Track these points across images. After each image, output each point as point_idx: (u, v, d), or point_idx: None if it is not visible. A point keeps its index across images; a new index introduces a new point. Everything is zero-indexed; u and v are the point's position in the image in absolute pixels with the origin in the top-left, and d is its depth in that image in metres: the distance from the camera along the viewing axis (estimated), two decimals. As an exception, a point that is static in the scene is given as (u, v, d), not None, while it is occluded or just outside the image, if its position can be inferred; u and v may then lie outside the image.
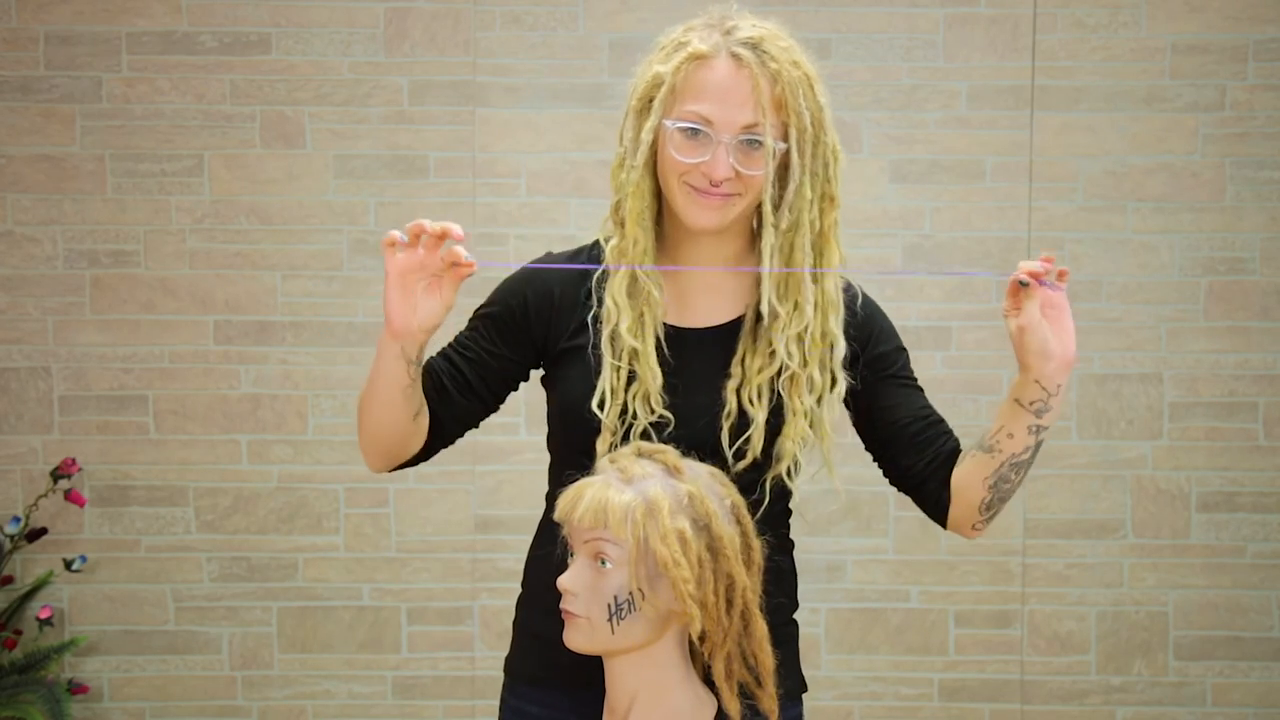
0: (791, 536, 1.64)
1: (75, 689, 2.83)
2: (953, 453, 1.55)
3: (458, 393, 1.55)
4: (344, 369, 2.94)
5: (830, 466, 1.56)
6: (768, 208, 1.46)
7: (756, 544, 1.41)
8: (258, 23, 2.90)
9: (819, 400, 1.51)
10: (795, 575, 1.63)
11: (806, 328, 1.48)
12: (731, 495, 1.41)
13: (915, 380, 1.63)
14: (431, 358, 1.56)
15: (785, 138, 1.44)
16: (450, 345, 1.59)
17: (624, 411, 1.49)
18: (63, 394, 2.93)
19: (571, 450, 1.53)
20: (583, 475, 1.42)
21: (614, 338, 1.49)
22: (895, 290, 2.94)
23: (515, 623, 1.66)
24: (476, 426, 1.60)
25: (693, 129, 1.42)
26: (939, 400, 2.92)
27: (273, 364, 2.94)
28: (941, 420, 1.59)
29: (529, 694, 1.58)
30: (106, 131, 2.90)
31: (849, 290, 1.57)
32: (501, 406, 1.61)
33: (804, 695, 1.64)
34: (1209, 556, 2.97)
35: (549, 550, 1.51)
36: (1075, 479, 2.96)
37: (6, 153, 2.91)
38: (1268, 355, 2.95)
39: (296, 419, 2.95)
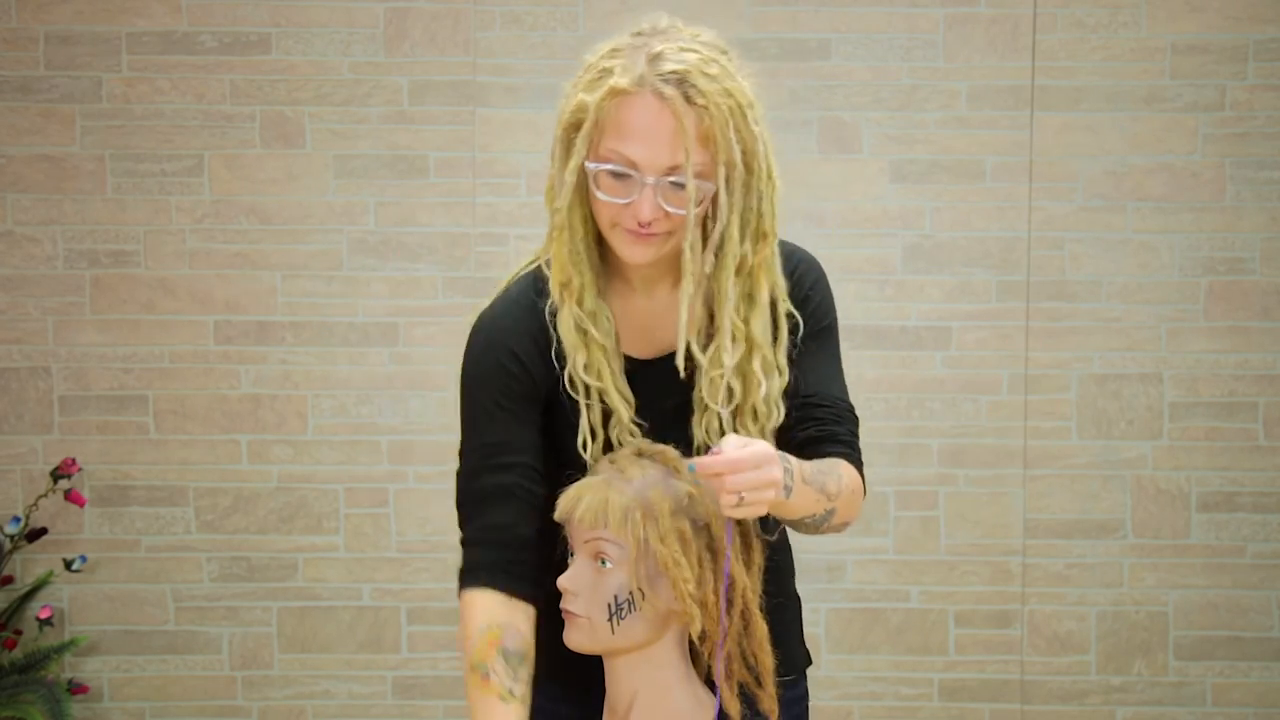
0: (788, 533, 1.63)
1: (75, 689, 2.83)
2: (813, 442, 1.47)
3: (542, 497, 1.45)
4: (344, 369, 2.94)
5: None
6: (686, 255, 1.38)
7: (756, 544, 1.41)
8: (258, 23, 2.90)
9: (763, 430, 1.46)
10: (792, 568, 1.64)
11: (723, 374, 1.42)
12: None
13: (826, 358, 1.53)
14: (506, 477, 1.44)
15: (713, 176, 1.36)
16: (492, 451, 1.46)
17: (609, 448, 1.46)
18: (63, 394, 2.93)
19: (558, 479, 1.49)
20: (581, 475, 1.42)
21: (576, 376, 1.45)
22: (895, 290, 2.94)
23: None
24: None
25: (616, 171, 1.35)
26: (939, 400, 2.94)
27: (273, 364, 2.94)
28: (820, 406, 1.49)
29: (534, 686, 1.57)
30: (106, 131, 2.90)
31: (791, 259, 1.51)
32: None
33: (809, 670, 1.66)
34: (1209, 556, 2.97)
35: (555, 565, 1.50)
36: (1075, 479, 2.96)
37: (6, 153, 2.91)
38: (1268, 355, 2.95)
39: (296, 419, 2.95)
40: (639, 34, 1.41)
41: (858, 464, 1.47)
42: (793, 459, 1.33)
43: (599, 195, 1.38)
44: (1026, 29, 2.92)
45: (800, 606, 1.66)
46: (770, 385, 1.45)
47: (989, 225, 2.94)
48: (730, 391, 1.44)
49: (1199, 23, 2.91)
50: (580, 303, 1.44)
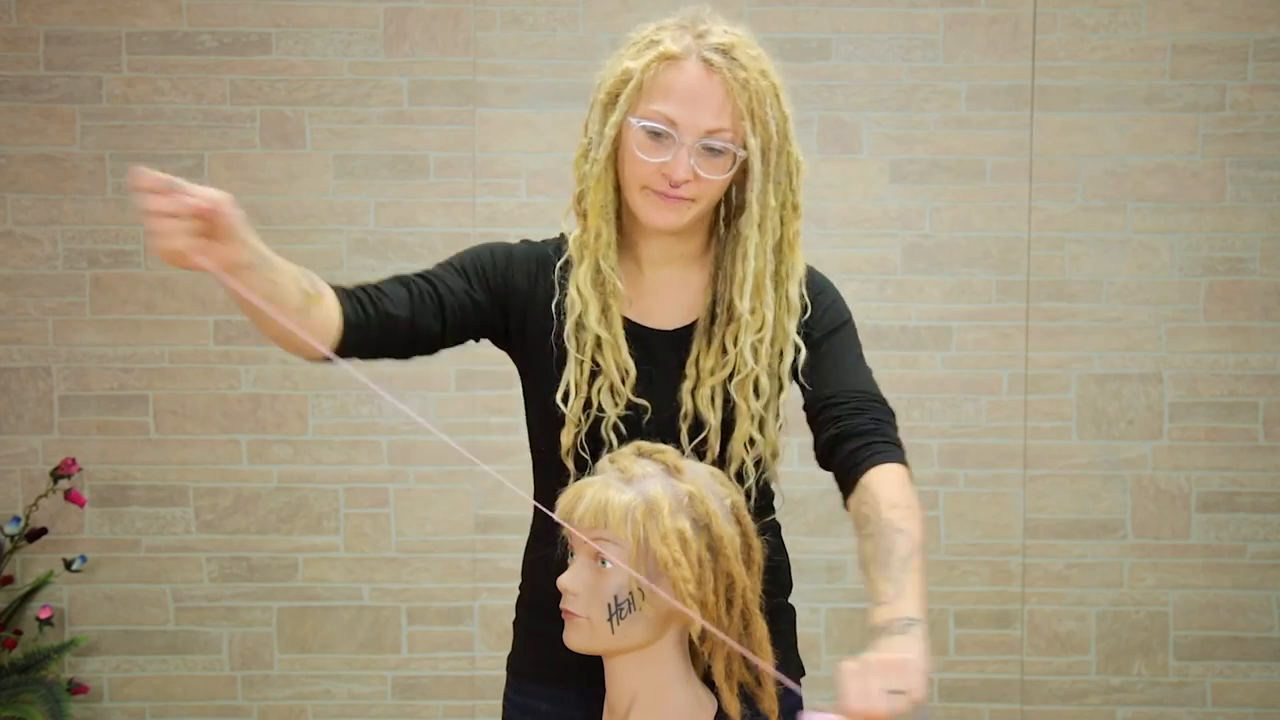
0: (783, 531, 1.64)
1: (75, 689, 2.83)
2: (835, 442, 1.48)
3: (430, 313, 1.51)
4: (344, 369, 2.94)
5: (774, 473, 1.56)
6: (737, 214, 1.47)
7: (756, 544, 1.41)
8: (258, 23, 2.90)
9: (766, 405, 1.50)
10: (789, 569, 1.64)
11: (764, 332, 1.48)
12: (731, 495, 1.41)
13: (845, 354, 1.59)
14: (407, 275, 1.56)
15: (745, 145, 1.43)
16: (426, 272, 1.56)
17: (588, 406, 1.49)
18: (63, 394, 2.93)
19: (543, 444, 1.55)
20: (573, 480, 1.42)
21: (579, 328, 1.49)
22: (895, 290, 2.94)
23: (516, 623, 1.66)
24: (426, 352, 1.54)
25: (656, 129, 1.41)
26: (939, 400, 2.94)
27: (273, 364, 2.94)
28: (840, 404, 1.52)
29: (536, 690, 1.58)
30: (106, 131, 2.90)
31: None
32: (457, 346, 1.55)
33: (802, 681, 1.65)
34: (1209, 556, 2.97)
35: (545, 553, 1.51)
36: (1075, 479, 2.96)
37: (6, 153, 2.91)
38: (1268, 355, 2.95)
39: (296, 419, 2.95)
40: (678, 17, 1.47)
41: (886, 454, 1.46)
42: (903, 591, 1.39)
43: (636, 153, 1.43)
44: (1026, 29, 2.92)
45: (795, 615, 1.65)
46: (797, 356, 1.50)
47: (989, 225, 2.94)
48: (753, 355, 1.48)
49: (1199, 23, 2.91)
50: (603, 256, 1.49)
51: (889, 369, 2.95)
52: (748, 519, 1.41)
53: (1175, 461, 2.96)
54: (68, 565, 2.86)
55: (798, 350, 1.52)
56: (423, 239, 2.92)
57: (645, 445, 1.42)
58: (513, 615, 1.69)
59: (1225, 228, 2.93)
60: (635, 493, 1.35)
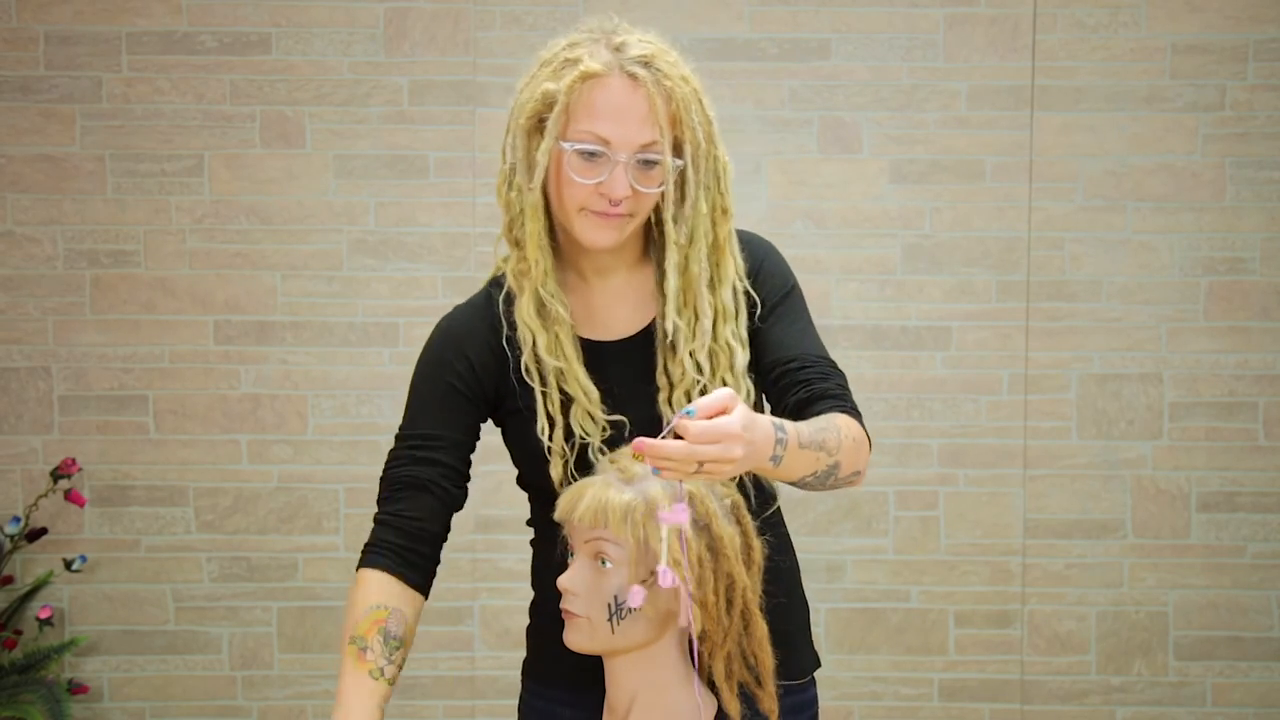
0: (787, 531, 1.64)
1: (75, 689, 2.83)
2: (806, 404, 1.47)
3: (457, 494, 1.53)
4: (344, 369, 2.94)
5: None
6: (668, 225, 1.44)
7: (756, 544, 1.41)
8: (258, 23, 2.90)
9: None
10: (797, 570, 1.63)
11: (705, 341, 1.47)
12: (731, 495, 1.41)
13: (796, 320, 1.56)
14: (419, 469, 1.50)
15: (679, 154, 1.42)
16: (428, 440, 1.51)
17: (569, 435, 1.47)
18: (63, 394, 2.93)
19: (535, 480, 1.53)
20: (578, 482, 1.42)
21: (536, 361, 1.48)
22: (895, 290, 2.94)
23: (531, 628, 1.64)
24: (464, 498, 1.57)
25: (590, 150, 1.39)
26: (939, 400, 2.94)
27: (273, 364, 2.94)
28: (803, 367, 1.50)
29: (558, 696, 1.57)
30: (106, 131, 2.90)
31: (740, 239, 1.54)
32: None
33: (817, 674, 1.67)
34: (1209, 556, 2.97)
35: (555, 557, 1.51)
36: (1075, 479, 2.96)
37: (6, 153, 2.91)
38: (1268, 355, 2.95)
39: (296, 419, 2.95)
40: (589, 31, 1.45)
41: (855, 415, 1.46)
42: (788, 424, 1.32)
43: (571, 176, 1.41)
44: (1026, 29, 2.92)
45: (808, 609, 1.65)
46: (738, 357, 1.48)
47: (989, 225, 2.94)
48: (698, 366, 1.47)
49: (1199, 23, 2.91)
50: (542, 284, 1.47)
51: (889, 369, 2.95)
52: (748, 519, 1.41)
53: (1175, 461, 2.96)
54: (68, 565, 2.86)
55: (744, 345, 1.50)
56: (423, 239, 2.92)
57: (645, 445, 1.42)
58: (513, 616, 1.68)
59: (1225, 228, 2.93)
60: (635, 493, 1.35)
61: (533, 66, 1.46)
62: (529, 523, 1.63)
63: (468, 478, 1.55)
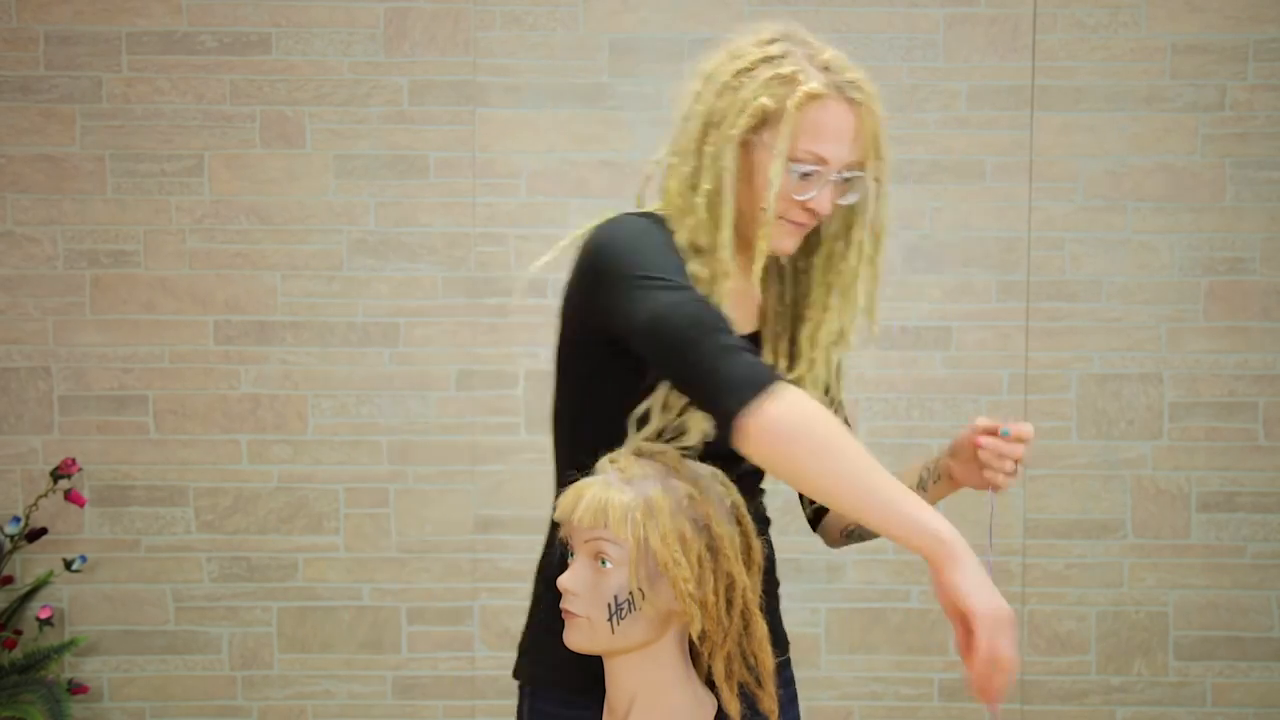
0: (784, 530, 1.66)
1: (75, 689, 2.83)
2: None
3: None
4: (344, 369, 2.94)
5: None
6: (866, 241, 1.53)
7: (756, 544, 1.41)
8: (258, 23, 2.90)
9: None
10: (772, 553, 1.64)
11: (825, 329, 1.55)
12: (731, 495, 1.41)
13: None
14: (719, 314, 1.35)
15: (877, 176, 1.49)
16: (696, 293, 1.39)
17: (660, 434, 1.44)
18: (63, 394, 2.93)
19: (589, 452, 1.43)
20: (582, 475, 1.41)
21: None
22: (895, 290, 2.94)
23: (540, 631, 1.57)
24: None
25: (808, 171, 1.44)
26: (939, 400, 2.94)
27: (273, 364, 2.94)
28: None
29: (576, 701, 1.52)
30: (106, 131, 2.90)
31: None
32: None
33: (794, 669, 1.68)
34: (1209, 556, 2.97)
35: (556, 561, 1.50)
36: (1075, 479, 2.96)
37: (6, 153, 2.91)
38: (1268, 355, 2.95)
39: (296, 419, 2.95)
40: (781, 40, 1.50)
41: None
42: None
43: (792, 193, 1.44)
44: (1026, 29, 2.92)
45: (778, 587, 1.66)
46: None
47: (989, 225, 2.94)
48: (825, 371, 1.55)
49: (1199, 23, 2.91)
50: (722, 294, 1.45)
51: (889, 369, 2.95)
52: (748, 519, 1.41)
53: (1175, 461, 2.96)
54: (68, 565, 2.86)
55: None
56: (423, 239, 2.92)
57: (645, 445, 1.42)
58: (514, 616, 1.67)
59: (1225, 228, 2.94)
60: (635, 493, 1.35)
61: (721, 71, 1.47)
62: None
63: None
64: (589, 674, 1.49)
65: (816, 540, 3.06)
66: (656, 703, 1.39)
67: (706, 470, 1.42)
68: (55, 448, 2.93)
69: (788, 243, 1.49)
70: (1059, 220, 2.94)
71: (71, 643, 2.86)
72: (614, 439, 1.44)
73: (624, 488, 1.35)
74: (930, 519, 1.31)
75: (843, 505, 1.29)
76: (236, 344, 2.94)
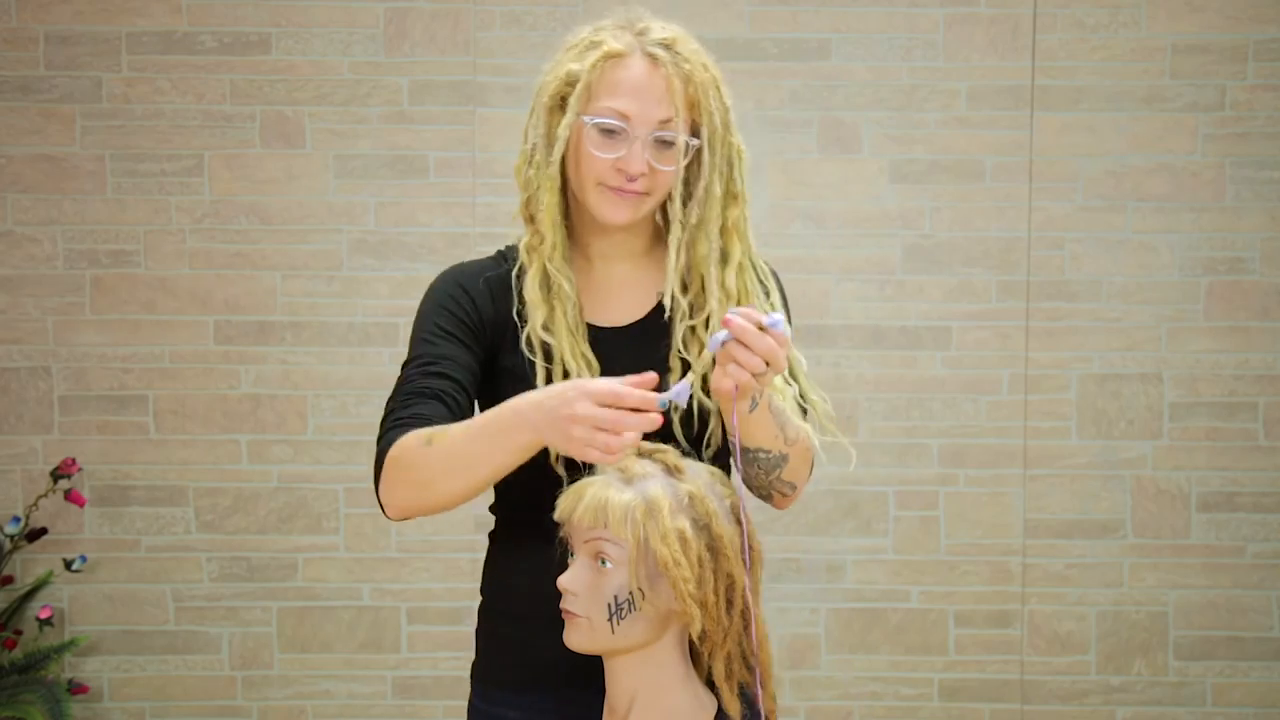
0: (782, 530, 1.65)
1: (75, 689, 2.83)
2: None
3: (467, 410, 1.49)
4: (344, 369, 2.94)
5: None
6: (676, 204, 1.47)
7: (757, 544, 1.41)
8: (258, 23, 2.90)
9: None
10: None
11: (708, 319, 1.50)
12: (731, 495, 1.41)
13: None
14: (431, 382, 1.47)
15: (696, 135, 1.46)
16: (437, 362, 1.49)
17: None
18: (63, 394, 2.93)
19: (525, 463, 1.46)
20: (566, 483, 1.41)
21: (534, 334, 1.49)
22: (895, 290, 2.94)
23: (480, 631, 1.63)
24: None
25: (610, 126, 1.44)
26: (939, 400, 2.94)
27: (273, 364, 2.94)
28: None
29: (505, 698, 1.57)
30: (106, 131, 2.90)
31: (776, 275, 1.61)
32: None
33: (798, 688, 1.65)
34: (1209, 556, 2.97)
35: (514, 557, 1.53)
36: (1075, 479, 2.96)
37: (6, 153, 2.91)
38: (1268, 355, 2.95)
39: (296, 419, 2.95)
40: (614, 20, 1.50)
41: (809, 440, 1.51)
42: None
43: (591, 151, 1.45)
44: (1026, 29, 2.92)
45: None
46: None
47: (989, 225, 2.94)
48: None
49: (1199, 23, 2.91)
50: (549, 259, 1.50)
51: (889, 369, 2.95)
52: (748, 518, 1.41)
53: (1175, 461, 2.96)
54: (68, 565, 2.86)
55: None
56: (423, 239, 2.92)
57: (645, 445, 1.42)
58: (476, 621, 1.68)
59: (1225, 228, 2.93)
60: (635, 493, 1.35)
61: (558, 52, 1.51)
62: (491, 508, 1.64)
63: (474, 402, 1.52)
64: (536, 673, 1.52)
65: (816, 540, 3.06)
66: (656, 703, 1.39)
67: (706, 470, 1.42)
68: (55, 448, 2.92)
69: (615, 212, 1.47)
70: (1059, 220, 2.94)
71: (71, 643, 2.86)
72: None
73: (624, 488, 1.35)
74: (507, 412, 1.33)
75: (478, 479, 1.37)
76: (236, 344, 2.94)
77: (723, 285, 1.50)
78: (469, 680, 1.64)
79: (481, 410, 1.50)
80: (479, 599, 1.69)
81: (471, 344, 1.51)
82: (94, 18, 2.89)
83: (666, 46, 1.46)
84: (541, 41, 2.91)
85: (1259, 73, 2.91)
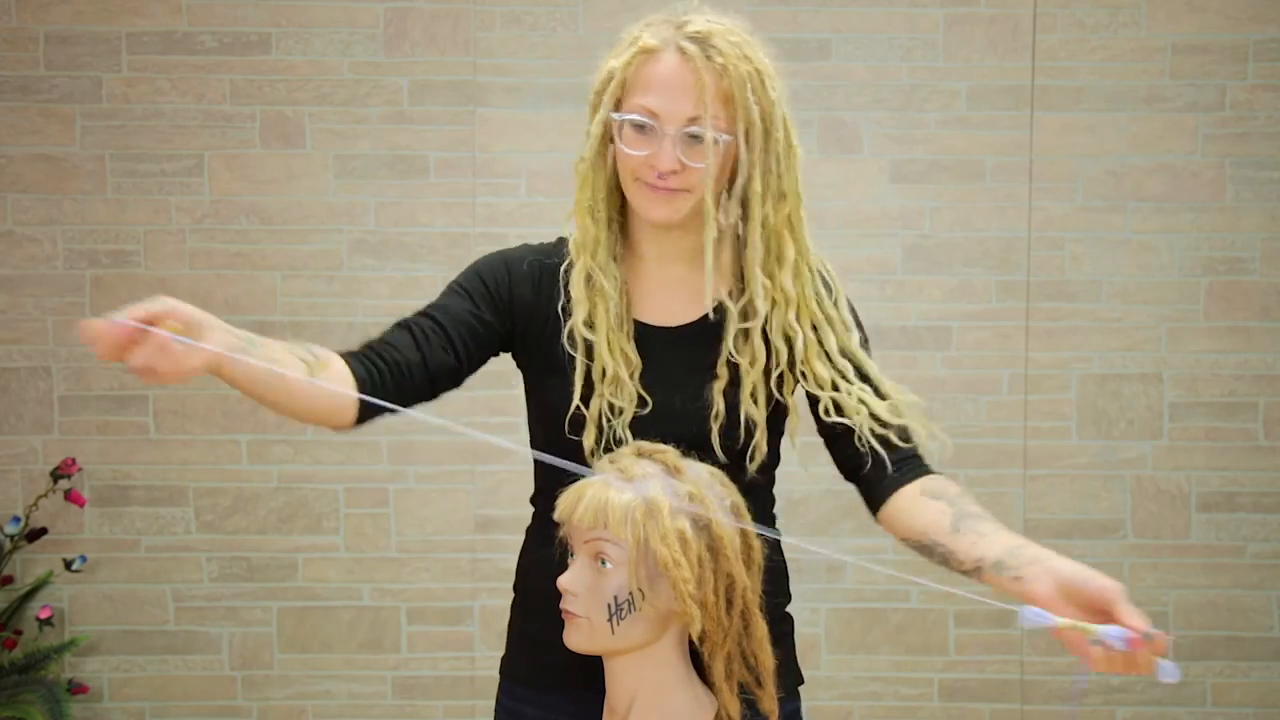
0: (784, 532, 1.64)
1: (75, 689, 2.83)
2: (912, 459, 1.59)
3: (439, 347, 1.49)
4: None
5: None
6: (708, 202, 1.44)
7: (756, 544, 1.41)
8: (258, 23, 2.90)
9: (818, 384, 1.52)
10: (786, 570, 1.63)
11: (753, 322, 1.48)
12: (731, 495, 1.41)
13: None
14: (408, 317, 1.51)
15: (732, 132, 1.43)
16: (427, 307, 1.54)
17: (610, 408, 1.48)
18: (63, 394, 2.93)
19: (560, 451, 1.48)
20: (579, 478, 1.41)
21: (576, 330, 1.49)
22: (895, 290, 2.94)
23: (510, 625, 1.65)
24: (451, 386, 1.53)
25: (639, 122, 1.42)
26: (939, 400, 2.94)
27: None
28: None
29: (526, 696, 1.58)
30: (106, 131, 2.90)
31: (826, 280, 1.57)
32: (474, 374, 1.55)
33: (801, 689, 1.64)
34: (1209, 556, 2.97)
35: (543, 554, 1.51)
36: (1075, 479, 2.96)
37: (6, 153, 2.91)
38: (1268, 355, 2.95)
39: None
40: (667, 14, 1.49)
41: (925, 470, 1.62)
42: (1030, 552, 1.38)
43: (624, 148, 1.44)
44: (1026, 29, 2.92)
45: (793, 621, 1.64)
46: (809, 336, 1.50)
47: (989, 225, 2.94)
48: (768, 350, 1.49)
49: (1199, 23, 2.91)
50: (594, 256, 1.50)
51: (889, 369, 2.93)
52: (748, 519, 1.41)
53: (1175, 461, 2.96)
54: (68, 565, 2.86)
55: (832, 324, 1.52)
56: (423, 239, 2.92)
57: (645, 445, 1.42)
58: (508, 616, 1.68)
59: (1225, 228, 2.93)
60: (635, 493, 1.35)
61: (611, 48, 1.52)
62: (532, 499, 1.63)
63: (460, 359, 1.50)
64: (556, 674, 1.51)
65: (817, 541, 3.05)
66: (656, 703, 1.39)
67: (706, 470, 1.42)
68: (55, 448, 2.93)
69: (653, 209, 1.45)
70: (1059, 220, 2.94)
71: (71, 643, 2.86)
72: (567, 426, 1.49)
73: (624, 488, 1.35)
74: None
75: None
76: (236, 344, 2.93)
77: (780, 288, 1.48)
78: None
79: (527, 400, 1.56)
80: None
81: (484, 308, 1.53)
82: (94, 18, 2.89)
83: (700, 40, 1.42)
84: (541, 41, 2.91)
85: (1259, 73, 2.91)
